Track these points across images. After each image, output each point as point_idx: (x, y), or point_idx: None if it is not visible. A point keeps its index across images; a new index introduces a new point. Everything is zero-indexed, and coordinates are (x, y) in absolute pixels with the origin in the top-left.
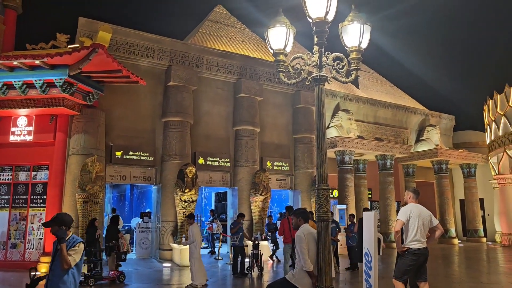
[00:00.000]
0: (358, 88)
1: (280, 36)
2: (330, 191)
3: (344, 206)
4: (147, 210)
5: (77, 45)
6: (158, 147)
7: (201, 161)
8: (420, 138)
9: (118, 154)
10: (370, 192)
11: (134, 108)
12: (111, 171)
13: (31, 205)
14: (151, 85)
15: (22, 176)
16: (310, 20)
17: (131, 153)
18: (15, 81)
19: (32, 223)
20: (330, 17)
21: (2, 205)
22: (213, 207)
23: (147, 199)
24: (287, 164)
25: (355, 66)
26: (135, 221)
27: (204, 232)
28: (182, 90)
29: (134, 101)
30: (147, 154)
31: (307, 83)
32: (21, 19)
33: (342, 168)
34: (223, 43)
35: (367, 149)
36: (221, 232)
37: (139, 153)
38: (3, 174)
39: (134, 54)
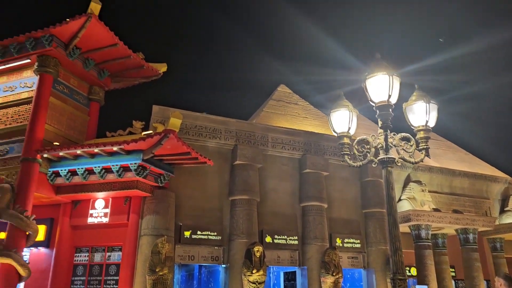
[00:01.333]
0: (429, 157)
1: (343, 119)
2: (408, 269)
3: (425, 287)
4: None
5: (151, 131)
6: (225, 226)
7: (268, 239)
8: (505, 209)
9: (187, 234)
10: (454, 270)
11: (202, 188)
12: (180, 251)
13: (105, 286)
14: (218, 164)
15: (97, 257)
16: (373, 104)
17: (199, 232)
18: (95, 167)
19: None
20: (394, 99)
21: (78, 286)
22: None
23: (215, 279)
24: (358, 241)
25: (424, 145)
26: None
27: None
28: (248, 168)
29: (202, 180)
30: (215, 233)
31: (373, 165)
32: (102, 109)
33: (419, 244)
34: (287, 120)
35: (445, 223)
36: None
37: (207, 233)
38: (81, 255)
39: (202, 136)
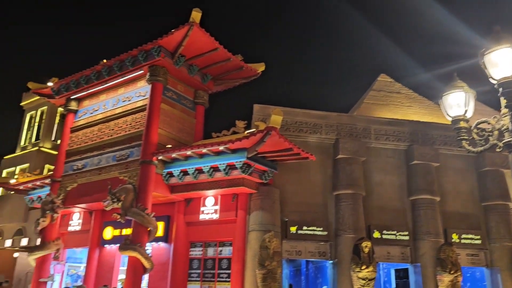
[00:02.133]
0: None
1: (458, 101)
2: None
3: None
4: (324, 287)
5: (253, 129)
6: (331, 221)
7: (376, 234)
8: None
9: (293, 229)
10: None
11: (305, 183)
12: (287, 246)
13: (218, 279)
14: (320, 159)
15: (210, 252)
16: (494, 82)
17: (305, 228)
18: (204, 166)
19: None
20: None
21: (194, 279)
22: (394, 286)
23: (323, 274)
24: (478, 237)
25: None
26: None
27: None
28: (351, 162)
29: (305, 176)
30: (321, 229)
31: (497, 150)
32: (207, 111)
33: None
34: (390, 110)
35: None
36: None
37: (313, 228)
38: (195, 250)
39: (303, 132)
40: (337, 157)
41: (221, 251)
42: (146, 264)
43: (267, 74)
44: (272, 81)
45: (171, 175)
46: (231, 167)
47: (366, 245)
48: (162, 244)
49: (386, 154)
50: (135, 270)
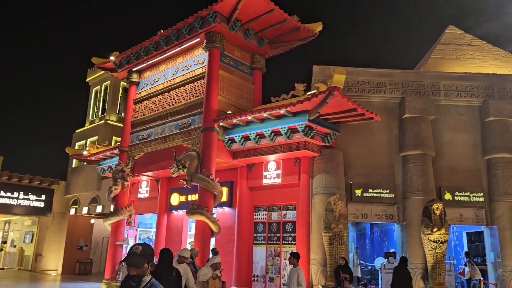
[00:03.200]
0: None
1: None
2: None
3: None
4: (391, 250)
5: (314, 91)
6: (398, 184)
7: (447, 196)
8: None
9: (358, 192)
10: None
11: (370, 145)
12: (352, 209)
13: (283, 242)
14: (385, 120)
15: (275, 216)
16: None
17: (370, 190)
18: (265, 131)
19: (285, 259)
20: None
21: (260, 242)
22: (466, 249)
23: (389, 238)
24: None
25: None
26: (379, 261)
27: (456, 278)
28: (419, 121)
29: (369, 138)
30: (387, 191)
31: None
32: (264, 76)
33: None
34: (460, 65)
35: None
36: (481, 278)
37: (379, 190)
38: (259, 214)
39: (365, 92)
40: (404, 116)
41: (285, 214)
42: (214, 227)
43: (325, 33)
44: (331, 41)
45: (232, 141)
46: (293, 130)
47: (437, 207)
48: (226, 209)
49: (458, 112)
50: (203, 234)
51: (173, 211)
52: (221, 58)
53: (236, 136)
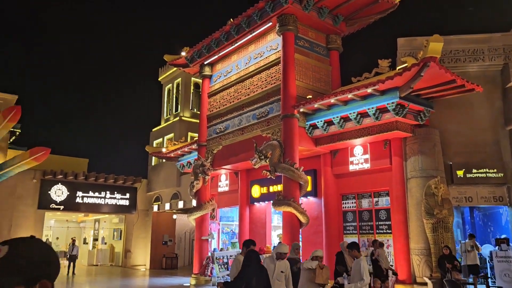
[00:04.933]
0: None
1: None
2: None
3: None
4: (503, 236)
5: (405, 64)
6: (507, 161)
7: None
8: None
9: (460, 173)
10: None
11: (469, 120)
12: (454, 192)
13: (377, 231)
14: (486, 90)
15: (365, 203)
16: None
17: (474, 171)
18: (350, 113)
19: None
20: None
21: (351, 232)
22: None
23: (495, 222)
24: None
25: None
26: (487, 249)
27: None
28: None
29: (467, 112)
30: (494, 170)
31: None
32: (342, 56)
33: None
34: None
35: None
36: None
37: (484, 170)
38: (348, 202)
39: (460, 61)
40: (508, 85)
41: (377, 201)
42: (302, 218)
43: (405, 3)
44: (412, 10)
45: (314, 127)
46: (382, 110)
47: None
48: (311, 199)
49: None
50: (292, 225)
51: (254, 203)
52: (296, 41)
53: (318, 122)
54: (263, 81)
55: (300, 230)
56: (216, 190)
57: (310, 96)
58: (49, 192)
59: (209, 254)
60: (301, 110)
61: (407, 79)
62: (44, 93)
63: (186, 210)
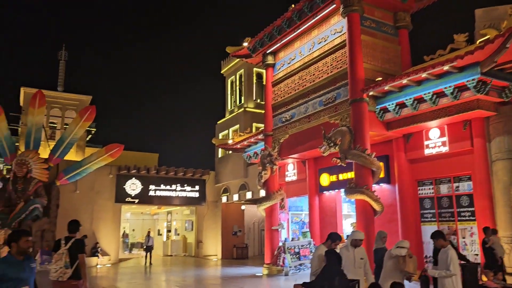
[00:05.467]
0: None
1: None
2: None
3: None
4: None
5: (484, 38)
6: None
7: None
8: None
9: None
10: None
11: None
12: None
13: (459, 218)
14: None
15: (444, 189)
16: None
17: None
18: (424, 94)
19: (463, 238)
20: None
21: (429, 219)
22: None
23: None
24: None
25: None
26: None
27: None
28: None
29: None
30: None
31: None
32: (411, 34)
33: None
34: None
35: None
36: None
37: None
38: (425, 188)
39: None
40: None
41: (457, 187)
42: (376, 206)
43: None
44: None
45: (385, 110)
46: (460, 88)
47: None
48: (384, 185)
49: None
50: (366, 213)
51: (324, 192)
52: (361, 22)
53: (389, 105)
54: (328, 66)
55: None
56: (284, 180)
57: (381, 78)
58: (124, 186)
59: (280, 244)
60: (371, 93)
61: (490, 53)
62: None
63: (255, 201)
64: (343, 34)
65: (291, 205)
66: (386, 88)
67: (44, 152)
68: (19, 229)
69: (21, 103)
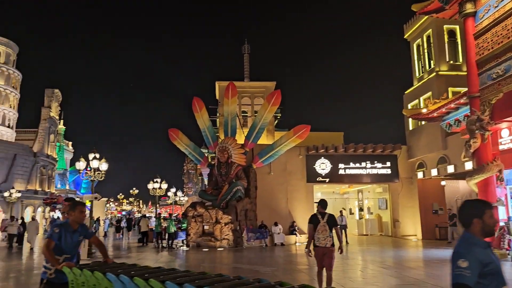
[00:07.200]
0: None
1: None
2: None
3: None
4: None
5: None
6: None
7: None
8: None
9: None
10: None
11: None
12: None
13: None
14: None
15: None
16: None
17: None
18: None
19: None
20: None
21: None
22: None
23: None
24: None
25: None
26: None
27: None
28: None
29: None
30: None
31: None
32: None
33: None
34: None
35: None
36: None
37: None
38: None
39: None
40: None
41: None
42: None
43: None
44: None
45: None
46: None
47: None
48: None
49: None
50: None
51: None
52: None
53: None
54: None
55: None
56: (497, 149)
57: None
58: (314, 166)
59: (502, 223)
60: None
61: None
62: (294, 77)
63: (457, 175)
64: None
65: (508, 177)
66: None
67: (240, 138)
68: (78, 200)
69: (217, 96)
